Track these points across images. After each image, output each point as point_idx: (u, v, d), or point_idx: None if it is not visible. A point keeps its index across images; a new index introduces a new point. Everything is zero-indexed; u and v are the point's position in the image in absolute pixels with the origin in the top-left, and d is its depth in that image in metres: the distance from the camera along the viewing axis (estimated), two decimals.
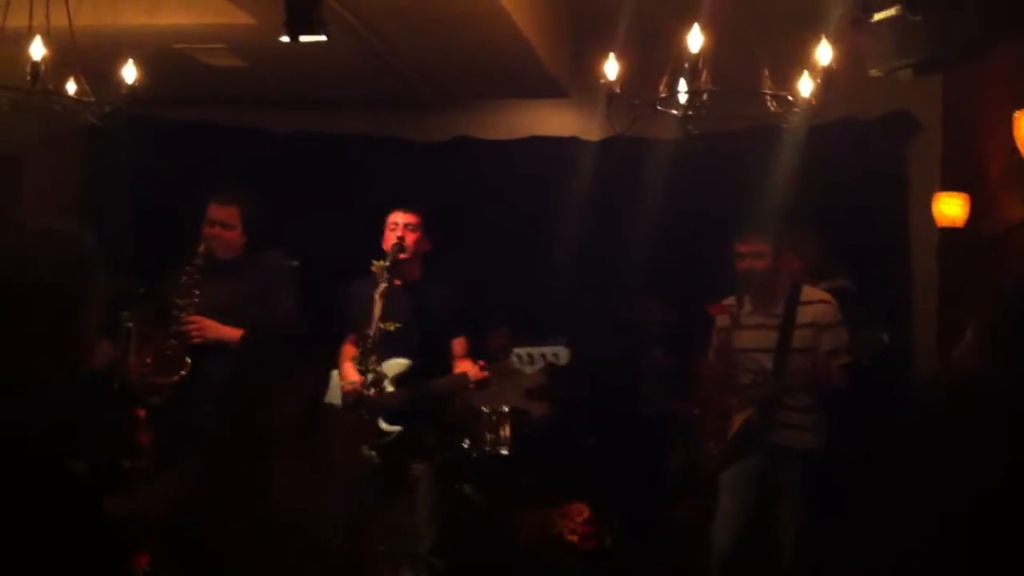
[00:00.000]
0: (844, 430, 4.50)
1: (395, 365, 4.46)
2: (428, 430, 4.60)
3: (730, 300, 4.69)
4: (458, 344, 4.71)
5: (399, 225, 4.60)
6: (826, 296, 4.60)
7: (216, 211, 4.57)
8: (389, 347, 4.40)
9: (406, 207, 4.65)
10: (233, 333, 4.43)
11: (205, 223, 4.57)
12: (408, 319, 4.46)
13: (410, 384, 4.49)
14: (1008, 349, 3.74)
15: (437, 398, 4.66)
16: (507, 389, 5.93)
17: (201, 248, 4.47)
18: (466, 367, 4.58)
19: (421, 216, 4.65)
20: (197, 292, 4.42)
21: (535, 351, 4.33)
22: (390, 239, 4.59)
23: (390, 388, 4.42)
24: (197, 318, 4.42)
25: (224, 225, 4.56)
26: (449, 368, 4.64)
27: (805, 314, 4.49)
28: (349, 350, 4.72)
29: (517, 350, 4.37)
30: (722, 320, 4.71)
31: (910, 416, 4.63)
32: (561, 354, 4.35)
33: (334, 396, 4.72)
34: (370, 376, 4.34)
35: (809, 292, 4.58)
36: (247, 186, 4.92)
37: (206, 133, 6.93)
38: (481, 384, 4.56)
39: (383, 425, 4.39)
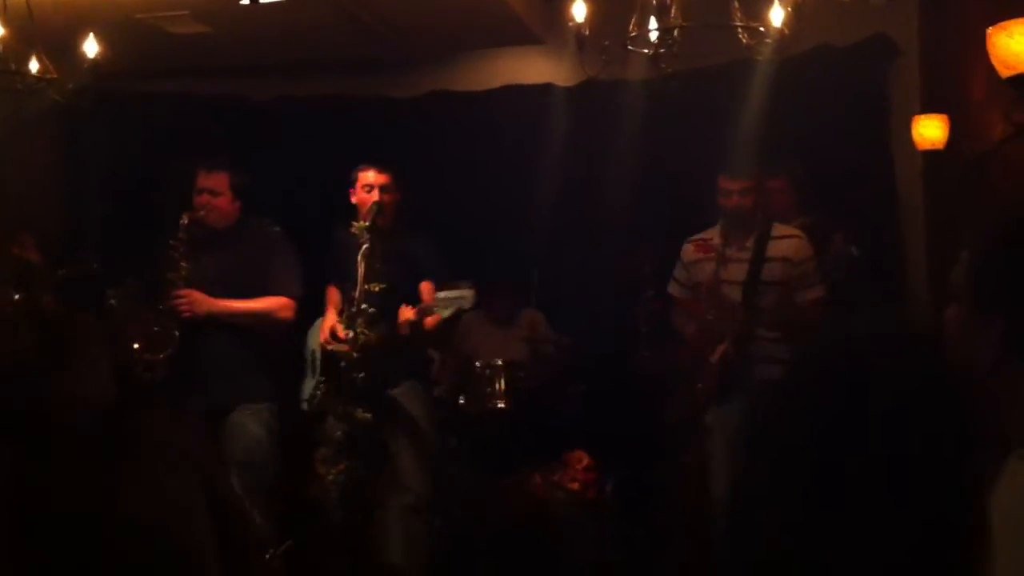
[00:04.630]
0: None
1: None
2: (401, 379, 4.56)
3: (708, 234, 4.65)
4: (425, 288, 4.65)
5: (375, 187, 4.54)
6: (796, 231, 4.59)
7: (203, 179, 4.49)
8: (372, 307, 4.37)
9: (378, 166, 4.59)
10: (226, 305, 4.39)
11: (195, 193, 4.50)
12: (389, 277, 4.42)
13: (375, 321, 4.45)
14: (1000, 272, 3.73)
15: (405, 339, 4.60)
16: (500, 342, 5.95)
17: (184, 220, 4.40)
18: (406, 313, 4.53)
19: (391, 174, 4.60)
20: (184, 265, 4.35)
21: (448, 295, 4.34)
22: (364, 199, 4.53)
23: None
24: (187, 292, 4.34)
25: (212, 192, 4.47)
26: None
27: (777, 248, 4.47)
28: (333, 293, 4.70)
29: (437, 294, 4.38)
30: (693, 255, 4.66)
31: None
32: (467, 296, 4.35)
33: (313, 342, 4.71)
34: (360, 338, 4.31)
35: (780, 228, 4.56)
36: (229, 152, 4.85)
37: (181, 104, 6.85)
38: (412, 326, 4.49)
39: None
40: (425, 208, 5.05)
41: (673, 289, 4.83)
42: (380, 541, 4.56)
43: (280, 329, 4.54)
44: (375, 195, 4.52)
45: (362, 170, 4.61)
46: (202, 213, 4.42)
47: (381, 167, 4.59)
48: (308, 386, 4.70)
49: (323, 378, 4.53)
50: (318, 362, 4.63)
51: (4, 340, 4.32)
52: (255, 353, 4.47)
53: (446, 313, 4.37)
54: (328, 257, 4.81)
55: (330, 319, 4.60)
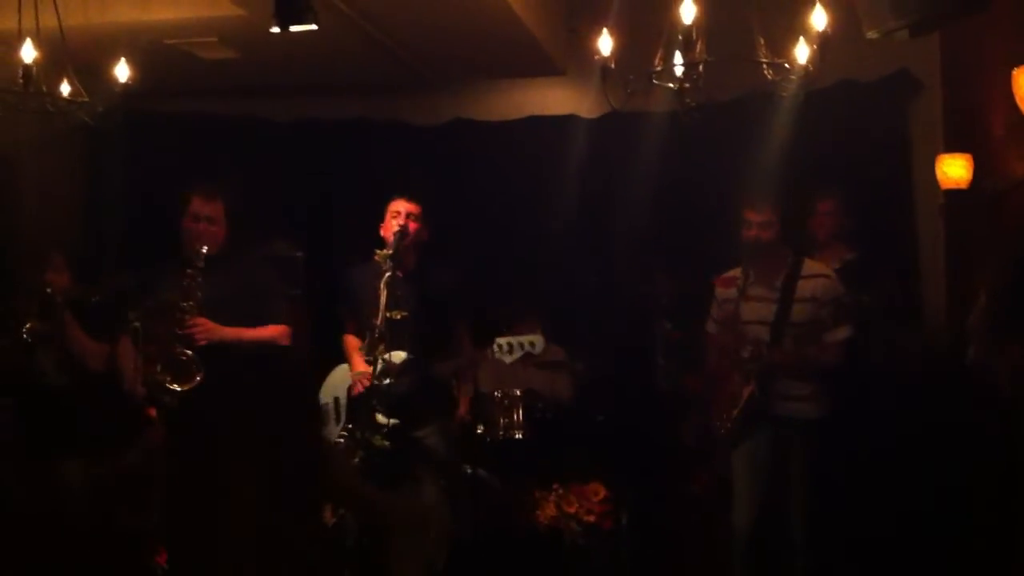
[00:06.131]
0: (848, 398, 4.50)
1: (395, 357, 4.44)
2: (430, 422, 4.57)
3: (736, 271, 4.66)
4: (460, 327, 4.69)
5: (401, 214, 4.56)
6: (827, 270, 4.57)
7: (201, 206, 4.48)
8: (393, 336, 4.38)
9: (409, 196, 4.61)
10: (231, 333, 4.41)
11: (188, 218, 4.48)
12: (409, 308, 4.43)
13: (411, 368, 4.47)
14: (1012, 305, 3.73)
15: (440, 383, 4.64)
16: (519, 372, 5.95)
17: (203, 248, 4.40)
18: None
19: (422, 207, 4.62)
20: (199, 294, 4.37)
21: (514, 340, 4.36)
22: (391, 227, 4.56)
23: (388, 380, 4.37)
24: (201, 320, 4.35)
25: (209, 220, 4.48)
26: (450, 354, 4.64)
27: (805, 288, 4.45)
28: (352, 341, 4.70)
29: (498, 340, 4.39)
30: (724, 292, 4.68)
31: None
32: (537, 343, 4.37)
33: (337, 390, 4.71)
34: (379, 365, 4.32)
35: (811, 266, 4.54)
36: (241, 177, 4.88)
37: (206, 126, 6.92)
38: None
39: (379, 418, 4.36)
40: (446, 237, 5.07)
41: (709, 327, 4.80)
42: (395, 569, 4.55)
43: (279, 353, 4.56)
44: (402, 220, 4.54)
45: (392, 200, 4.62)
46: (203, 241, 4.44)
47: (411, 196, 4.60)
48: (331, 433, 4.67)
49: (349, 424, 4.53)
50: (343, 409, 4.62)
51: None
52: (255, 375, 4.48)
53: (509, 359, 4.41)
54: (345, 298, 4.78)
55: (358, 365, 4.58)
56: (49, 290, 4.53)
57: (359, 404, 4.41)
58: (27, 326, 4.41)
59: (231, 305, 4.44)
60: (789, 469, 4.43)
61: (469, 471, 5.28)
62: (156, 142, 6.56)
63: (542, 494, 5.40)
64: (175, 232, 4.54)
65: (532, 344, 4.37)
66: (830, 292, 4.44)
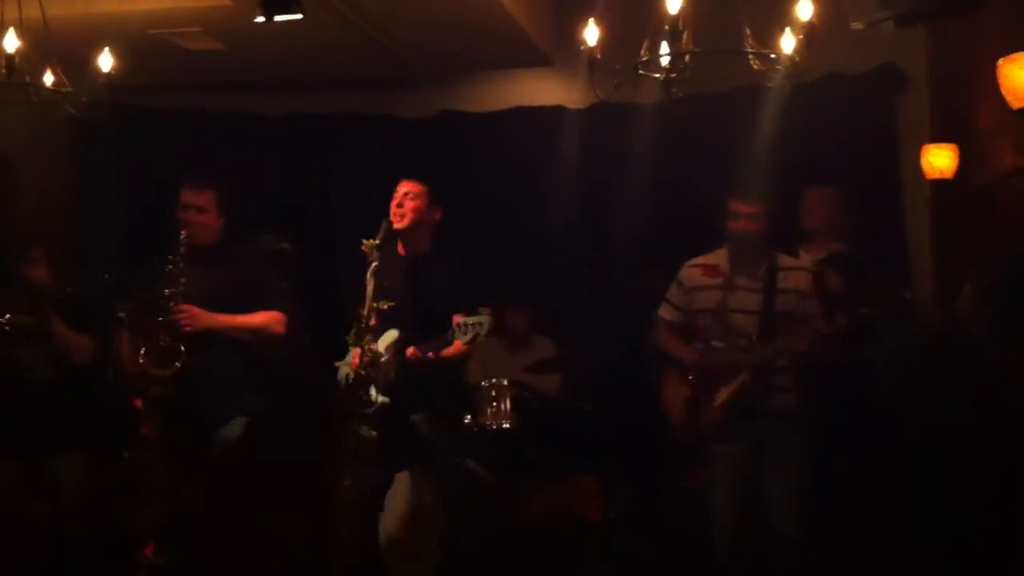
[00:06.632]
0: (836, 391, 4.50)
1: (387, 337, 4.43)
2: (419, 405, 4.55)
3: (710, 258, 4.64)
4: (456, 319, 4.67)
5: (399, 194, 4.56)
6: (804, 264, 4.59)
7: (189, 196, 4.50)
8: (387, 323, 4.37)
9: (411, 177, 4.60)
10: (221, 320, 4.42)
11: (179, 208, 4.50)
12: (406, 293, 4.42)
13: (398, 350, 4.45)
14: (1006, 303, 3.75)
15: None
16: (508, 363, 5.94)
17: (183, 236, 4.42)
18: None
19: (427, 186, 4.59)
20: (183, 280, 4.38)
21: (468, 320, 4.33)
22: (392, 208, 4.56)
23: (384, 358, 4.37)
24: (186, 307, 4.36)
25: (198, 209, 4.50)
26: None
27: (788, 280, 4.46)
28: None
29: (458, 320, 4.37)
30: (703, 279, 4.62)
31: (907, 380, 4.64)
32: (484, 323, 4.34)
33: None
34: (367, 356, 4.30)
35: (786, 260, 4.54)
36: (230, 169, 4.85)
37: (196, 120, 6.90)
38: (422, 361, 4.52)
39: (373, 395, 4.35)
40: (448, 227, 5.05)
41: (666, 312, 4.76)
42: (388, 560, 4.55)
43: (274, 343, 4.56)
44: (398, 200, 4.52)
45: (399, 183, 4.60)
46: (188, 230, 4.44)
47: (413, 176, 4.58)
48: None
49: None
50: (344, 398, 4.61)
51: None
52: (249, 366, 4.50)
53: (465, 339, 4.38)
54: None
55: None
56: (33, 281, 4.53)
57: (350, 389, 4.40)
58: (7, 316, 4.42)
59: (220, 293, 4.45)
60: (775, 461, 4.42)
61: (460, 463, 5.27)
62: (146, 137, 6.56)
63: (534, 487, 5.39)
64: (166, 226, 4.54)
65: (480, 324, 4.35)
66: (810, 285, 4.46)
